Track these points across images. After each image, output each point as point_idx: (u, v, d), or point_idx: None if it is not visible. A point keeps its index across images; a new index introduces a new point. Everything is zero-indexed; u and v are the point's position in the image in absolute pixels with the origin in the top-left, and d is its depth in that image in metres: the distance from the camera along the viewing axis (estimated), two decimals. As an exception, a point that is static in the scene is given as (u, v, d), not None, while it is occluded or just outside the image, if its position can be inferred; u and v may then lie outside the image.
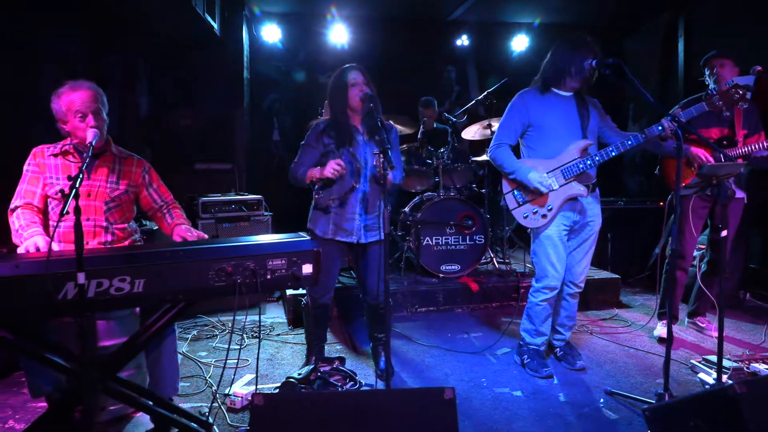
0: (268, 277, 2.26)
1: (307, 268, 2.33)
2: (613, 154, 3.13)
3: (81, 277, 1.87)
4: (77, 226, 1.86)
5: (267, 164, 6.39)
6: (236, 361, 3.53)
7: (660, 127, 3.01)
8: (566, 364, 3.43)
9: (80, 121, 2.49)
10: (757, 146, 3.45)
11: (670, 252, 3.83)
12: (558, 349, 3.51)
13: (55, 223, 2.49)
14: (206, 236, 2.68)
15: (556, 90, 3.25)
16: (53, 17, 3.99)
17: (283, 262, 2.29)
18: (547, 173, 3.18)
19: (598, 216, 3.33)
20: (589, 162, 3.14)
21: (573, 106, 3.24)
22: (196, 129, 5.76)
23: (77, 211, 1.87)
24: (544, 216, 3.22)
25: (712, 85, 3.65)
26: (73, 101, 2.48)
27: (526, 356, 3.43)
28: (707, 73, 3.69)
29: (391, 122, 3.32)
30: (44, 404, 2.89)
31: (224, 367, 2.73)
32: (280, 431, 1.91)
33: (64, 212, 1.79)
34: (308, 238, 2.40)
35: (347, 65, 3.11)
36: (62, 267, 1.94)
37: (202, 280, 2.14)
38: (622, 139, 3.13)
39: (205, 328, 4.16)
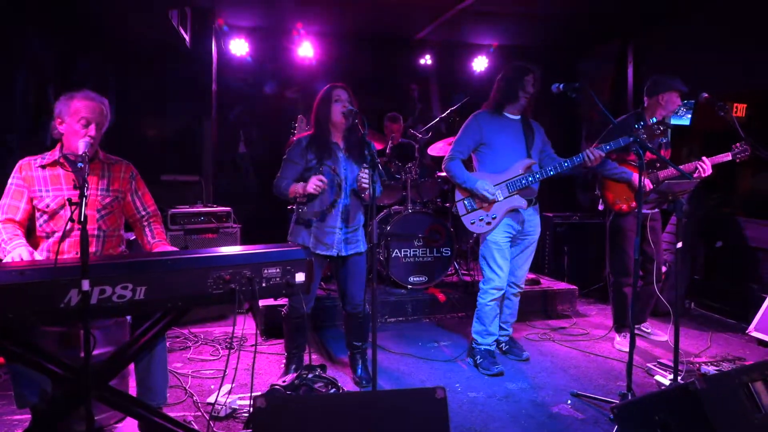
0: (264, 284, 2.34)
1: (300, 276, 2.42)
2: (552, 173, 3.53)
3: (85, 284, 1.90)
4: (83, 234, 1.90)
5: (233, 176, 6.40)
6: (213, 370, 3.56)
7: (581, 157, 3.45)
8: (513, 356, 3.85)
9: (82, 126, 2.52)
10: (689, 166, 3.77)
11: (617, 270, 4.13)
12: (503, 344, 3.90)
13: (60, 231, 2.49)
14: None
15: (506, 113, 3.63)
16: (27, 24, 3.95)
17: (278, 270, 2.37)
18: (494, 185, 3.54)
19: (538, 226, 3.73)
20: (530, 178, 3.53)
21: (520, 128, 3.64)
22: (163, 140, 5.73)
23: (85, 220, 1.91)
24: (488, 223, 3.57)
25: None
26: (81, 107, 2.52)
27: (478, 356, 3.69)
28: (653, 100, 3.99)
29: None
30: (20, 416, 2.86)
31: (234, 374, 2.77)
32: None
33: (81, 219, 1.82)
34: (301, 248, 2.49)
35: (333, 83, 3.25)
36: (66, 274, 1.96)
37: (201, 287, 2.20)
38: (560, 161, 3.55)
39: (178, 339, 4.15)
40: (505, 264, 3.61)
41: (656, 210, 4.02)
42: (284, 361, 3.52)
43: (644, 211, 3.93)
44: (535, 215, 3.70)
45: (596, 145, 3.87)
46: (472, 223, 3.60)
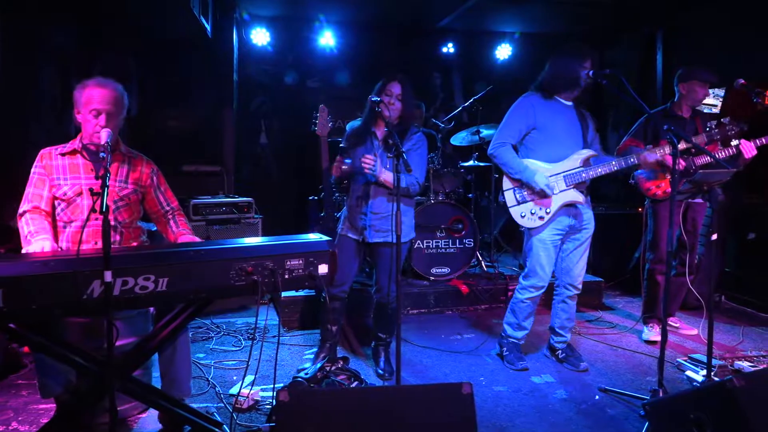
0: (287, 276, 2.31)
1: (323, 268, 2.39)
2: (615, 168, 3.27)
3: (108, 275, 1.88)
4: (105, 224, 1.88)
5: (254, 167, 6.39)
6: (235, 361, 3.56)
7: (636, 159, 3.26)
8: (569, 366, 3.51)
9: (93, 117, 2.50)
10: (726, 152, 3.62)
11: (652, 257, 4.03)
12: (560, 351, 3.60)
13: (83, 222, 2.48)
14: None
15: (558, 97, 3.36)
16: (49, 15, 3.95)
17: (301, 262, 2.34)
18: (549, 176, 3.29)
19: (592, 220, 3.45)
20: (592, 173, 3.27)
21: (574, 115, 3.37)
22: (184, 130, 5.74)
23: (106, 210, 1.89)
24: (541, 218, 3.33)
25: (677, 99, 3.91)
26: (93, 96, 2.49)
27: (505, 348, 3.58)
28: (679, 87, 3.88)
29: (418, 128, 3.39)
30: (46, 406, 2.88)
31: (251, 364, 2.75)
32: (305, 426, 1.95)
33: (102, 209, 1.81)
34: (325, 239, 2.45)
35: (391, 75, 3.20)
36: (89, 265, 1.95)
37: (223, 279, 2.18)
38: (624, 157, 3.30)
39: (200, 330, 4.15)
40: (549, 263, 3.39)
41: (699, 200, 3.85)
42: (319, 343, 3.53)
43: (688, 200, 3.86)
44: (588, 209, 3.43)
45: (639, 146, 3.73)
46: (523, 216, 3.33)
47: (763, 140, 3.54)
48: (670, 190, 3.73)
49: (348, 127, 3.39)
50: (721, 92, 5.14)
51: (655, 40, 6.07)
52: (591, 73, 3.12)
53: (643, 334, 4.08)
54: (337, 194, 4.55)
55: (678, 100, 3.91)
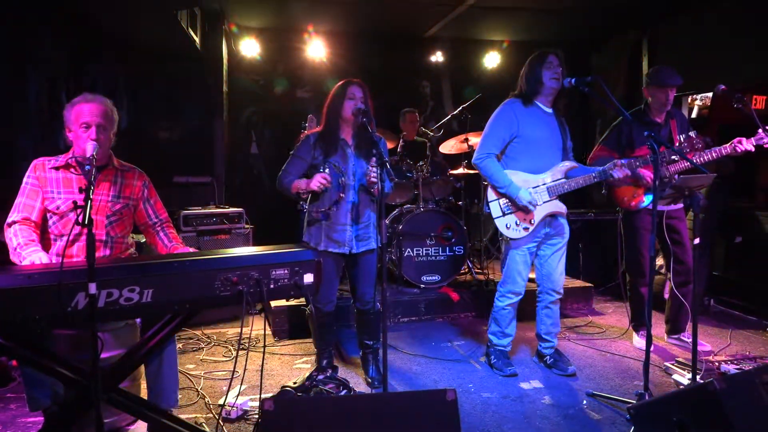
0: (272, 286, 2.32)
1: (308, 278, 2.40)
2: (596, 180, 3.29)
3: (92, 288, 1.89)
4: (89, 236, 1.89)
5: (245, 177, 6.41)
6: (225, 371, 3.56)
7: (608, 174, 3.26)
8: (558, 371, 3.53)
9: (84, 131, 2.52)
10: (726, 148, 3.60)
11: (630, 271, 4.03)
12: (548, 357, 3.62)
13: (68, 235, 2.49)
14: None
15: (537, 103, 3.38)
16: (38, 28, 3.97)
17: (286, 271, 2.35)
18: (533, 188, 3.33)
19: (567, 226, 3.50)
20: (573, 184, 3.30)
21: (555, 122, 3.40)
22: (174, 141, 5.77)
23: (89, 222, 1.90)
24: (526, 229, 3.37)
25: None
26: (82, 111, 2.51)
27: (493, 357, 3.61)
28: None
29: (379, 134, 3.40)
30: (35, 419, 2.88)
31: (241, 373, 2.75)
32: (291, 435, 1.96)
33: (85, 222, 1.82)
34: (310, 249, 2.47)
35: (350, 79, 3.22)
36: (73, 278, 1.96)
37: (208, 289, 2.18)
38: (591, 172, 3.31)
39: (191, 341, 4.15)
40: (526, 270, 3.45)
41: (678, 206, 3.84)
42: (315, 357, 3.54)
43: (661, 207, 3.83)
44: (563, 217, 3.49)
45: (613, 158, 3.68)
46: (508, 228, 3.38)
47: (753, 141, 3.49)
48: (642, 200, 3.78)
49: (305, 138, 3.30)
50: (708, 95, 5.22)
51: (641, 46, 6.15)
52: (573, 81, 3.15)
53: (635, 341, 4.09)
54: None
55: (649, 105, 3.88)
